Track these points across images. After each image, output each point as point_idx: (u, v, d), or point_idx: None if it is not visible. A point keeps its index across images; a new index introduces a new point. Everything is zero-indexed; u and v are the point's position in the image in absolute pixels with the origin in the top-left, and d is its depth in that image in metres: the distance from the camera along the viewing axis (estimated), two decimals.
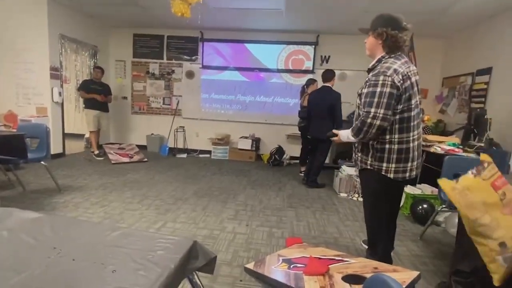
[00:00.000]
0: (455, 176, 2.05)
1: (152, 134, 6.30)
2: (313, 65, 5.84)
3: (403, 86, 1.57)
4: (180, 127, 6.20)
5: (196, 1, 2.89)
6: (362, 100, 1.67)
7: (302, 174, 4.58)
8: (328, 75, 3.96)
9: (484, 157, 1.44)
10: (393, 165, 1.68)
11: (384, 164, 1.69)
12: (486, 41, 4.38)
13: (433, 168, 3.22)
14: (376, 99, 1.57)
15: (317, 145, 4.08)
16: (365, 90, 1.67)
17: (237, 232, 2.56)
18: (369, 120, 1.59)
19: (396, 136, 1.64)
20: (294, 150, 5.74)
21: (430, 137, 3.67)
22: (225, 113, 6.22)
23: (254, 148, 5.88)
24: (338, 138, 1.90)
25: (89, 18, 5.57)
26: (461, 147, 3.32)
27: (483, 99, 4.28)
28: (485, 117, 3.50)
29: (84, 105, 5.35)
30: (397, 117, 1.62)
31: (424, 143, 3.45)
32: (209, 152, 6.10)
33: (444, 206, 2.43)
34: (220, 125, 6.22)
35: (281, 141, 5.97)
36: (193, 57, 6.16)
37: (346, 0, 4.02)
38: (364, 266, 1.83)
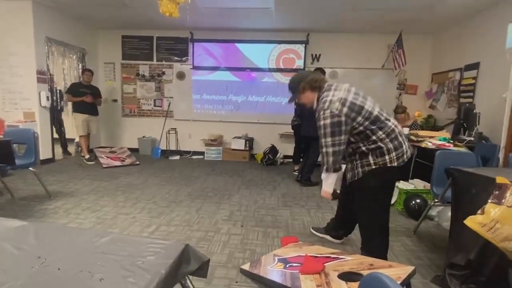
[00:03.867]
0: (446, 171, 2.08)
1: (143, 136, 6.22)
2: (304, 63, 5.84)
3: (344, 110, 1.75)
4: (172, 128, 6.14)
5: (184, 1, 2.85)
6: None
7: (296, 173, 4.57)
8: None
9: (500, 180, 1.37)
10: (394, 154, 1.79)
11: (387, 157, 1.79)
12: (473, 36, 4.45)
13: (425, 163, 3.25)
14: (322, 131, 1.78)
15: (309, 143, 4.09)
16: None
17: (232, 233, 2.53)
18: (323, 151, 1.81)
19: (380, 132, 1.79)
20: (287, 149, 5.74)
21: (421, 133, 3.71)
22: (217, 113, 6.18)
23: (247, 148, 5.86)
24: (324, 194, 1.96)
25: (76, 20, 5.47)
26: (451, 141, 3.36)
27: (471, 94, 4.34)
28: (474, 111, 3.55)
29: (72, 109, 5.25)
30: (369, 120, 1.78)
31: (415, 139, 3.48)
32: (202, 153, 6.06)
33: (436, 200, 2.45)
34: (213, 125, 6.18)
35: (274, 140, 5.97)
36: (184, 58, 6.11)
37: None
38: (360, 263, 1.83)
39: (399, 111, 4.69)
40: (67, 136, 6.04)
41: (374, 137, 1.80)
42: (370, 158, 1.82)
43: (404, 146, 1.83)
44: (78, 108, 5.10)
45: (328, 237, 2.42)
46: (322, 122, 1.77)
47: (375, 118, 1.79)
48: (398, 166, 1.81)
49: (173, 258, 0.83)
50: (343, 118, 1.74)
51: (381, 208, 1.91)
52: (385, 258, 1.94)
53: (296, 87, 1.99)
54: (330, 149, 1.78)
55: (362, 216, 1.99)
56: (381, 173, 1.82)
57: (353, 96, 1.81)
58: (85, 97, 5.02)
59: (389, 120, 1.83)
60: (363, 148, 1.83)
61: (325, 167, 1.85)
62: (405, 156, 1.83)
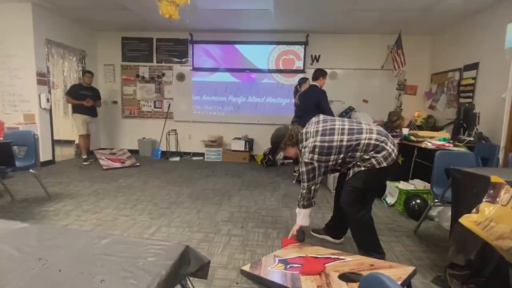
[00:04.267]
0: (446, 171, 2.08)
1: (144, 138, 6.23)
2: (303, 64, 5.85)
3: (315, 157, 1.96)
4: (172, 130, 6.15)
5: (184, 2, 2.86)
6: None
7: (296, 174, 4.57)
8: (316, 74, 4.03)
9: (495, 179, 1.40)
10: (380, 157, 1.93)
11: (373, 160, 1.93)
12: (472, 37, 4.46)
13: (425, 163, 3.25)
14: (303, 176, 2.04)
15: None
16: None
17: (232, 234, 2.53)
18: (303, 186, 2.06)
19: (357, 153, 1.95)
20: None
21: (421, 133, 3.71)
22: (217, 114, 6.19)
23: (247, 149, 5.86)
24: (296, 228, 2.16)
25: (75, 22, 5.48)
26: (451, 141, 3.36)
27: (471, 94, 4.35)
28: (474, 111, 3.55)
29: (72, 110, 5.26)
30: (342, 152, 1.96)
31: (415, 139, 3.48)
32: (202, 154, 6.06)
33: (437, 200, 2.45)
34: (213, 127, 6.18)
35: None
36: (183, 59, 6.12)
37: None
38: (360, 263, 1.83)
39: (394, 119, 4.70)
40: (66, 138, 6.05)
41: (354, 161, 1.98)
42: (360, 164, 1.98)
43: (387, 148, 1.93)
44: (78, 109, 5.11)
45: (328, 237, 2.43)
46: (302, 169, 2.04)
47: (346, 147, 1.94)
48: (387, 166, 1.93)
49: (174, 259, 0.84)
50: (315, 164, 1.97)
51: (366, 203, 2.07)
52: (375, 246, 2.05)
53: (278, 145, 2.22)
54: (305, 190, 2.06)
55: (348, 211, 2.10)
56: (370, 173, 1.95)
57: (320, 140, 1.97)
58: (86, 102, 5.05)
59: (361, 139, 1.93)
60: (350, 166, 2.02)
61: (299, 201, 2.11)
62: (393, 155, 1.94)
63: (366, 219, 2.05)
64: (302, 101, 4.11)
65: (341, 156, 1.96)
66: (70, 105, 5.47)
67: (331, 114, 3.92)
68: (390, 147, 1.94)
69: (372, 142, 1.92)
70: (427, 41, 5.63)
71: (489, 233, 1.29)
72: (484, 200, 1.38)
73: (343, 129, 1.97)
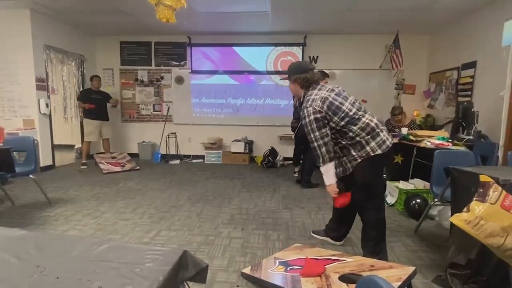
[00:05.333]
0: (445, 170, 2.09)
1: (143, 141, 6.24)
2: None
3: (324, 107, 1.95)
4: (171, 133, 6.15)
5: (181, 6, 2.87)
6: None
7: (296, 175, 4.57)
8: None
9: (484, 178, 1.42)
10: (374, 144, 1.93)
11: (368, 148, 1.93)
12: (469, 35, 4.47)
13: (424, 162, 3.25)
14: (309, 127, 1.98)
15: (307, 145, 4.09)
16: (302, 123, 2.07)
17: (232, 236, 2.53)
18: (314, 145, 1.98)
19: (355, 128, 1.94)
20: (287, 151, 5.74)
21: (420, 132, 3.71)
22: (216, 117, 6.20)
23: (247, 151, 5.87)
24: (330, 189, 2.07)
25: (73, 27, 5.50)
26: (450, 140, 3.37)
27: (469, 93, 4.35)
28: (472, 110, 3.55)
29: (84, 115, 5.34)
30: (344, 120, 1.94)
31: (414, 138, 3.48)
32: (202, 157, 6.06)
33: (437, 200, 2.45)
34: (212, 129, 6.19)
35: (273, 142, 5.97)
36: (182, 63, 6.13)
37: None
38: (360, 264, 1.83)
39: (396, 112, 4.71)
40: (65, 142, 6.07)
41: (350, 134, 1.95)
42: (353, 152, 1.96)
43: (381, 135, 1.95)
44: (89, 114, 5.20)
45: (328, 239, 2.42)
46: (307, 119, 1.96)
47: (350, 118, 1.94)
48: (383, 153, 1.92)
49: (171, 264, 0.84)
50: (319, 116, 1.94)
51: (377, 198, 2.04)
52: (384, 232, 2.06)
53: (290, 74, 2.17)
54: (321, 141, 1.96)
55: (366, 212, 2.07)
56: (369, 164, 1.94)
57: (333, 97, 1.98)
58: (87, 105, 5.13)
59: (364, 116, 1.97)
60: (343, 143, 1.99)
61: (321, 160, 1.99)
62: (387, 143, 1.95)
63: (378, 219, 2.03)
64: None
65: (342, 123, 1.94)
66: (78, 109, 5.60)
67: None
68: (384, 135, 1.96)
69: (372, 124, 1.94)
70: (425, 40, 5.64)
71: (479, 231, 1.31)
72: (474, 199, 1.39)
73: (354, 102, 2.03)
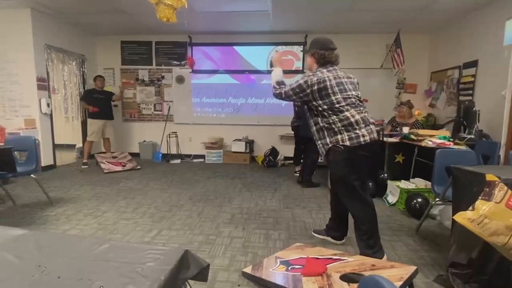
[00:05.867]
0: (446, 169, 2.08)
1: (144, 141, 6.24)
2: (302, 65, 5.85)
3: (314, 88, 2.03)
4: (172, 132, 6.15)
5: (181, 6, 2.86)
6: None
7: (297, 174, 4.57)
8: None
9: (490, 177, 1.41)
10: (345, 135, 2.00)
11: (339, 137, 2.01)
12: (471, 34, 4.45)
13: (426, 161, 3.24)
14: (294, 85, 2.12)
15: (307, 144, 4.09)
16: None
17: (233, 236, 2.53)
18: (280, 87, 2.20)
19: (334, 117, 2.03)
20: (287, 150, 5.74)
21: (421, 131, 3.70)
22: (217, 116, 6.19)
23: (248, 151, 5.86)
24: (276, 58, 2.41)
25: (74, 27, 5.51)
26: (451, 140, 3.35)
27: (471, 92, 4.34)
28: (474, 109, 3.54)
29: (88, 115, 5.37)
30: (327, 107, 2.04)
31: (415, 138, 3.47)
32: (203, 156, 6.06)
33: (438, 199, 2.44)
34: (213, 129, 6.19)
35: (274, 142, 5.97)
36: (183, 62, 6.13)
37: None
38: (361, 263, 1.83)
39: (404, 102, 4.64)
40: (66, 142, 6.08)
41: (330, 119, 2.04)
42: (327, 138, 2.07)
43: (358, 131, 1.99)
44: (93, 114, 5.21)
45: (329, 238, 2.42)
46: (300, 81, 2.09)
47: (333, 108, 2.02)
48: (351, 146, 1.98)
49: (173, 264, 0.84)
50: (308, 91, 2.05)
51: (349, 186, 2.07)
52: (375, 224, 2.08)
53: (311, 47, 2.23)
54: (278, 92, 2.18)
55: (346, 203, 2.14)
56: (337, 152, 2.04)
57: (331, 84, 2.03)
58: (90, 108, 5.19)
59: (348, 110, 2.02)
60: (321, 124, 2.09)
61: (274, 87, 2.22)
62: (361, 139, 1.98)
63: (365, 211, 2.05)
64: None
65: (323, 107, 2.04)
66: (80, 109, 5.63)
67: None
68: (362, 132, 1.99)
69: (351, 120, 2.00)
70: (426, 40, 5.63)
71: (483, 229, 1.30)
72: (480, 198, 1.38)
73: (349, 97, 2.05)
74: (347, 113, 2.01)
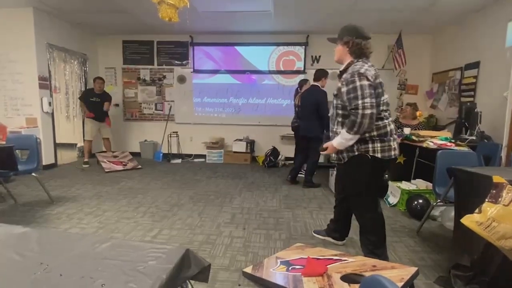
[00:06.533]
0: (448, 171, 2.07)
1: (145, 140, 6.25)
2: (304, 65, 5.85)
3: (376, 81, 1.78)
4: (173, 132, 6.16)
5: (184, 5, 2.87)
6: (344, 98, 1.83)
7: (300, 175, 4.57)
8: (317, 74, 4.01)
9: (497, 179, 1.39)
10: (378, 145, 1.82)
11: (370, 146, 1.83)
12: (473, 35, 4.44)
13: (427, 162, 3.24)
14: (359, 92, 1.73)
15: (307, 144, 4.10)
16: (344, 89, 1.82)
17: (234, 236, 2.53)
18: (360, 112, 1.72)
19: (377, 137, 1.83)
20: (288, 150, 5.73)
21: (423, 132, 3.70)
22: (218, 116, 6.20)
23: (248, 151, 5.86)
24: (330, 149, 1.96)
25: (76, 26, 5.52)
26: (453, 141, 3.35)
27: (472, 93, 4.33)
28: (475, 110, 3.53)
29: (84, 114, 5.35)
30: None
31: (416, 139, 3.47)
32: (203, 156, 6.07)
33: (439, 200, 2.44)
34: (214, 128, 6.19)
35: (275, 142, 5.97)
36: (184, 62, 6.14)
37: None
38: (362, 264, 1.82)
39: (410, 103, 4.65)
40: (67, 141, 6.09)
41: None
42: (354, 145, 1.85)
43: (391, 143, 1.85)
44: (86, 96, 5.22)
45: (330, 239, 2.42)
46: (357, 84, 1.72)
47: (376, 113, 1.79)
48: (382, 159, 1.83)
49: (174, 263, 0.84)
50: (374, 84, 1.76)
51: (368, 197, 1.96)
52: (383, 235, 2.00)
53: (344, 35, 1.92)
54: (369, 111, 1.70)
55: (355, 209, 2.06)
56: (364, 162, 1.85)
57: (379, 82, 1.82)
58: (86, 115, 5.21)
59: (387, 118, 1.86)
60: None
61: (354, 129, 1.75)
62: (392, 153, 1.84)
63: (373, 220, 1.99)
64: (303, 102, 4.10)
65: (377, 100, 1.80)
66: (80, 109, 5.63)
67: (328, 117, 3.93)
68: (394, 145, 1.87)
69: (387, 129, 1.83)
70: (428, 40, 5.62)
71: (491, 233, 1.29)
72: (486, 200, 1.37)
73: (387, 102, 1.88)
74: (386, 121, 1.82)
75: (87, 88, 5.70)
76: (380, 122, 1.82)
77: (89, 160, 5.25)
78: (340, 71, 1.94)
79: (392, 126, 1.89)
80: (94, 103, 5.19)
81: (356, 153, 1.86)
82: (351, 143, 1.83)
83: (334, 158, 2.01)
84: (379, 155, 1.82)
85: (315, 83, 4.00)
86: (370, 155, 1.83)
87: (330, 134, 2.05)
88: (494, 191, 1.36)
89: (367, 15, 4.64)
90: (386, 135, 1.83)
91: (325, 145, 2.00)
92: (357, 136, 1.80)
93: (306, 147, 4.13)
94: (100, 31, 5.96)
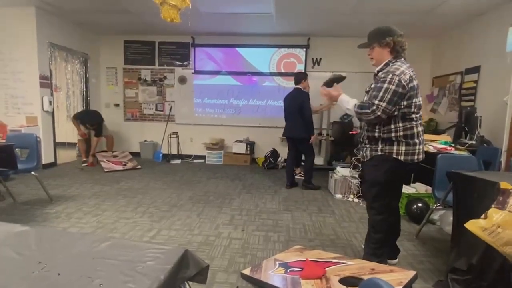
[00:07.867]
0: (447, 175, 2.08)
1: (145, 140, 6.25)
2: (305, 68, 5.86)
3: (409, 86, 1.76)
4: (173, 133, 6.16)
5: (186, 6, 2.87)
6: (370, 93, 1.85)
7: (298, 176, 4.57)
8: (297, 78, 4.11)
9: (505, 185, 1.39)
10: (403, 148, 1.83)
11: (394, 148, 1.84)
12: (473, 40, 4.46)
13: (426, 166, 3.23)
14: (381, 94, 1.75)
15: (294, 145, 4.17)
16: (373, 85, 1.88)
17: (233, 237, 2.53)
18: (371, 109, 1.76)
19: (400, 124, 1.83)
20: None
21: None
22: (218, 117, 6.20)
23: (248, 152, 5.86)
24: (331, 93, 2.00)
25: (78, 25, 5.53)
26: (453, 145, 3.35)
27: (472, 97, 4.34)
28: (476, 115, 3.54)
29: (74, 116, 5.31)
30: (403, 111, 1.80)
31: None
32: (203, 157, 6.07)
33: (438, 204, 2.44)
34: (214, 129, 6.19)
35: (275, 144, 5.97)
36: (185, 63, 6.15)
37: (335, 1, 4.06)
38: (361, 267, 1.82)
39: None
40: (67, 140, 6.09)
41: (392, 126, 1.83)
42: (379, 145, 1.87)
43: (417, 147, 1.84)
44: (80, 119, 5.16)
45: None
46: (386, 85, 1.74)
47: (407, 115, 1.81)
48: (404, 162, 1.83)
49: (172, 263, 0.84)
50: (404, 91, 1.75)
51: (384, 198, 1.94)
52: (388, 238, 1.99)
53: (380, 37, 1.86)
54: (378, 113, 1.74)
55: (369, 207, 2.04)
56: (385, 162, 1.86)
57: (415, 84, 1.81)
58: (80, 133, 5.18)
59: (417, 120, 1.85)
60: (376, 135, 1.87)
61: (358, 112, 1.82)
62: (415, 157, 1.85)
63: (383, 221, 1.96)
64: (287, 104, 4.19)
65: (399, 112, 1.80)
66: (79, 108, 5.65)
67: (311, 117, 4.00)
68: (419, 149, 1.87)
69: (414, 131, 1.83)
70: (428, 44, 5.63)
71: (495, 239, 1.28)
72: (493, 206, 1.37)
73: (420, 104, 1.89)
74: (413, 123, 1.82)
75: (84, 110, 5.66)
76: (407, 123, 1.82)
77: (87, 159, 5.23)
78: (376, 71, 1.93)
79: (420, 128, 1.87)
80: (87, 128, 5.19)
81: (380, 153, 1.87)
82: (346, 108, 1.93)
83: (360, 156, 2.02)
84: (401, 158, 1.83)
85: (298, 86, 4.09)
86: (393, 157, 1.84)
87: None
88: (501, 198, 1.35)
89: (368, 18, 4.65)
90: (413, 137, 1.83)
91: (329, 89, 2.02)
92: (354, 114, 1.88)
93: (294, 149, 4.17)
94: (102, 30, 5.97)
